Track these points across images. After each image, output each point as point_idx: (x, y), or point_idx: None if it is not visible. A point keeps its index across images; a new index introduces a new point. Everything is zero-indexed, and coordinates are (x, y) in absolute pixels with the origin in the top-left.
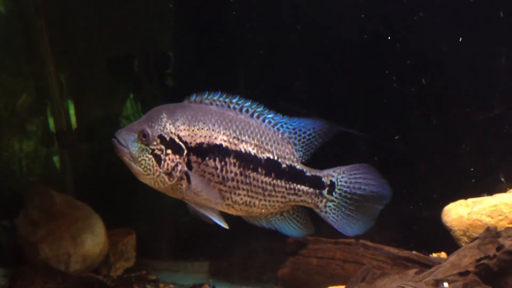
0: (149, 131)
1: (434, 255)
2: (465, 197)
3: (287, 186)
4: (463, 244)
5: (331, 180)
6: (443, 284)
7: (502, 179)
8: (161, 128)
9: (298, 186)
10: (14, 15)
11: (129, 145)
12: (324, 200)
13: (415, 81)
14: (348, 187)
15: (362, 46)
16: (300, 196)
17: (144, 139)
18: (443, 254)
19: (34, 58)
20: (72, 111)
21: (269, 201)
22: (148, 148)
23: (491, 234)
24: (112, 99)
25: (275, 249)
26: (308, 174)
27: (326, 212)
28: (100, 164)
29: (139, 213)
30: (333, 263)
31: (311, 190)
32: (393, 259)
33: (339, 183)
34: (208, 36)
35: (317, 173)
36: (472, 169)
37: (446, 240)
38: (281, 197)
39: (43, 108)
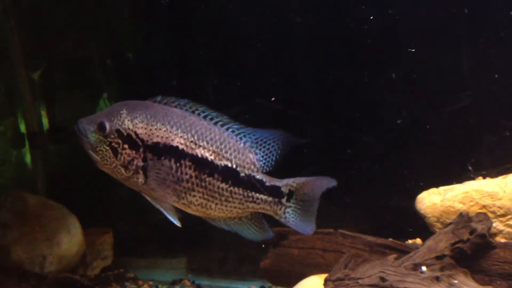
0: (107, 124)
1: (410, 241)
2: (435, 186)
3: (245, 194)
4: (437, 230)
5: (290, 189)
6: (421, 268)
7: (470, 168)
8: (120, 123)
9: (257, 194)
10: None
11: (88, 134)
12: (283, 208)
13: (385, 75)
14: (305, 194)
15: (331, 41)
16: (259, 204)
17: (101, 131)
18: (418, 241)
19: (3, 59)
20: (43, 112)
21: (226, 206)
22: (105, 140)
23: (464, 219)
24: (85, 99)
25: (251, 242)
26: (267, 184)
27: (285, 218)
28: (74, 163)
29: (115, 212)
30: (313, 252)
31: (270, 199)
32: (371, 246)
33: (298, 192)
34: (178, 37)
35: (277, 182)
36: (441, 159)
37: (420, 227)
38: (239, 203)
39: (13, 109)
